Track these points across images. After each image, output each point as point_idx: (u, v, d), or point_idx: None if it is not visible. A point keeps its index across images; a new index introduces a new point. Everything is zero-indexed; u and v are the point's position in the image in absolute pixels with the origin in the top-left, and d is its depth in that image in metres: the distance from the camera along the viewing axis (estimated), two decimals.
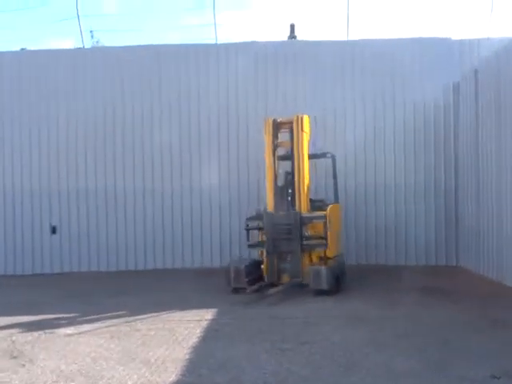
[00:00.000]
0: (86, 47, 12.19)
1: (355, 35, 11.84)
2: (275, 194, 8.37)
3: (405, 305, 7.06)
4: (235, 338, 5.55)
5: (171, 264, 11.13)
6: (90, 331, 6.05)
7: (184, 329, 5.99)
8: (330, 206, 8.47)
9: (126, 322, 6.49)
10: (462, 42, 10.97)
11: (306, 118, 8.46)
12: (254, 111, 10.84)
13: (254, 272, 8.18)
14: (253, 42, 11.38)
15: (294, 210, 8.23)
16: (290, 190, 8.51)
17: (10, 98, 11.33)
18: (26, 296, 8.56)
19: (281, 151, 8.70)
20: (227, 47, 11.29)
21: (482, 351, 4.98)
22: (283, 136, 8.66)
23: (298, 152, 8.25)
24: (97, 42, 18.22)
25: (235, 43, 11.39)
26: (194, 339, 5.54)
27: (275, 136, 8.44)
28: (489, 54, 9.44)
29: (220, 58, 11.19)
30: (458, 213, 10.75)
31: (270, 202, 8.37)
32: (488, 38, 11.09)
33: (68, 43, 23.17)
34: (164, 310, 7.03)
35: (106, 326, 6.27)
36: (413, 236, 10.92)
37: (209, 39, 11.66)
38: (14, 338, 5.84)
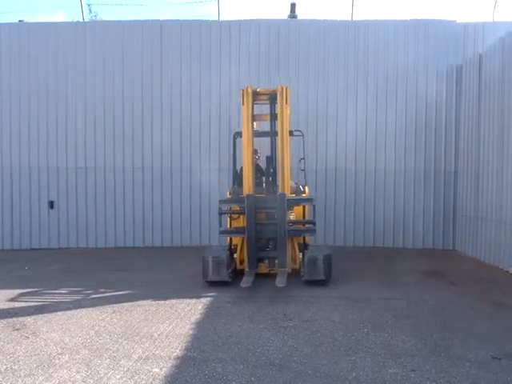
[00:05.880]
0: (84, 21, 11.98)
1: (358, 16, 11.73)
2: (254, 175, 7.34)
3: (404, 286, 7.14)
4: (237, 316, 5.58)
5: (169, 242, 11.16)
6: (91, 305, 6.07)
7: (186, 305, 6.01)
8: (308, 189, 8.10)
9: (127, 297, 6.52)
10: (466, 26, 10.83)
11: (289, 90, 7.31)
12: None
13: (231, 262, 7.28)
14: (256, 20, 11.20)
15: (277, 192, 7.28)
16: (271, 170, 7.54)
17: (7, 74, 11.14)
18: (25, 270, 8.58)
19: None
20: (230, 24, 11.12)
21: (482, 333, 5.04)
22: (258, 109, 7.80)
23: (283, 127, 7.16)
24: (95, 15, 17.98)
25: (238, 20, 11.21)
26: (196, 316, 5.56)
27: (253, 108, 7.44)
28: (494, 39, 9.36)
29: (223, 34, 11.03)
30: (457, 198, 10.79)
31: (247, 184, 7.24)
32: (493, 22, 11.02)
33: (59, 16, 22.78)
34: (164, 286, 7.08)
35: (107, 301, 6.29)
36: (411, 220, 10.98)
37: (205, 16, 11.47)
38: (15, 311, 5.85)
